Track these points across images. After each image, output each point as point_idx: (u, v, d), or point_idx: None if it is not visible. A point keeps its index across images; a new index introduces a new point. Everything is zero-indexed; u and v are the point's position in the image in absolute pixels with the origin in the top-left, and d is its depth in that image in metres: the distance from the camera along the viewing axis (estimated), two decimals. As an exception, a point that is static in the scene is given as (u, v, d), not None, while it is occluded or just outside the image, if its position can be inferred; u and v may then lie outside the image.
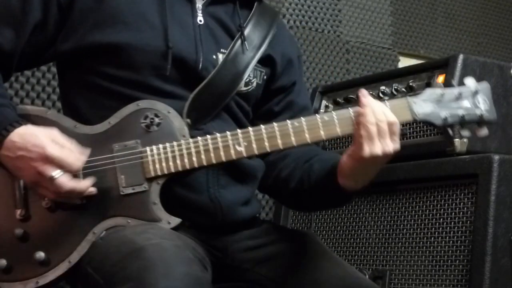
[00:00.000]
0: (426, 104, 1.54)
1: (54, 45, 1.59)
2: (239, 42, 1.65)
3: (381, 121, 1.46)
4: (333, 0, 3.21)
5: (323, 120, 1.52)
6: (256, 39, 1.68)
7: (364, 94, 1.50)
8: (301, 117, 1.52)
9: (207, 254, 1.57)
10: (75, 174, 1.45)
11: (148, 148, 1.50)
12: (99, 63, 1.57)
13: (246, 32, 1.67)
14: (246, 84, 1.66)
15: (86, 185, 1.45)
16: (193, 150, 1.49)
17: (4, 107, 1.48)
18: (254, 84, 1.68)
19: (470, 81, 1.58)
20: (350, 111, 1.51)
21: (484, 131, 1.57)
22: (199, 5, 1.64)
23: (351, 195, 1.60)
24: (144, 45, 1.55)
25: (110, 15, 1.56)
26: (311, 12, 3.13)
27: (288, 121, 1.51)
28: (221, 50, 1.64)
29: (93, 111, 1.57)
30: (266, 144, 1.50)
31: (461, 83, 1.59)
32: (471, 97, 1.56)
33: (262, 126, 1.51)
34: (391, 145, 1.47)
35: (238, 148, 1.50)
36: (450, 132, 1.65)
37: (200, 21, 1.63)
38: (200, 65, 1.59)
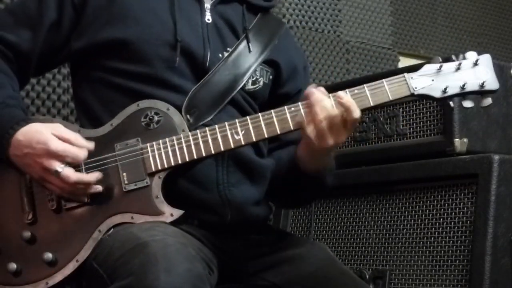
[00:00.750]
0: (423, 78, 1.52)
1: (69, 45, 1.63)
2: (243, 43, 1.67)
3: (332, 116, 1.47)
4: (333, 0, 3.21)
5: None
6: (260, 43, 1.70)
7: (311, 93, 1.50)
8: (299, 102, 1.54)
9: (214, 256, 1.58)
10: (78, 170, 1.48)
11: (148, 145, 1.52)
12: (110, 59, 1.60)
13: (250, 35, 1.69)
14: (253, 83, 1.68)
15: (92, 176, 1.48)
16: (192, 142, 1.52)
17: (12, 107, 1.52)
18: (261, 83, 1.70)
19: (469, 54, 1.55)
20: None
21: (487, 101, 1.54)
22: (207, 5, 1.68)
23: (322, 179, 1.64)
24: (154, 38, 1.59)
25: (121, 12, 1.60)
26: (311, 12, 3.13)
27: (286, 107, 1.53)
28: (227, 49, 1.66)
29: (104, 108, 1.60)
30: (264, 130, 1.52)
31: (460, 58, 1.57)
32: (471, 68, 1.53)
33: (260, 114, 1.53)
34: (344, 136, 1.50)
35: (236, 137, 1.52)
36: (451, 104, 1.63)
37: (208, 19, 1.66)
38: (208, 62, 1.61)
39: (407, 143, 2.21)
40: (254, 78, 1.68)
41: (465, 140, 2.04)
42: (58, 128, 1.48)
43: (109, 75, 1.60)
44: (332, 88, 2.52)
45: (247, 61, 1.66)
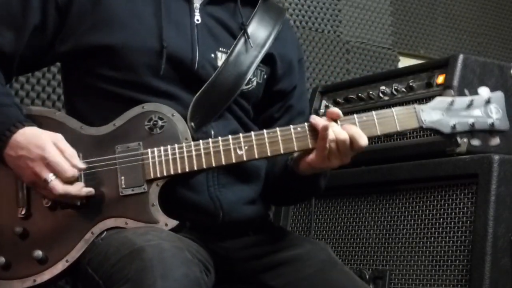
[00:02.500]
0: (434, 112, 1.52)
1: (54, 48, 1.60)
2: (242, 41, 1.65)
3: (342, 140, 1.48)
4: (333, 0, 3.21)
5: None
6: (261, 37, 1.68)
7: (319, 119, 1.50)
8: (305, 123, 1.52)
9: (210, 257, 1.57)
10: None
11: (149, 150, 1.50)
12: (96, 65, 1.58)
13: (249, 30, 1.66)
14: (247, 83, 1.65)
15: (79, 190, 1.46)
16: (194, 153, 1.50)
17: (8, 107, 1.50)
18: (254, 83, 1.68)
19: (483, 90, 1.55)
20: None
21: (495, 141, 1.55)
22: (196, 4, 1.65)
23: (317, 182, 1.64)
24: (139, 45, 1.56)
25: (106, 17, 1.57)
26: (311, 12, 3.13)
27: (291, 126, 1.52)
28: (221, 48, 1.64)
29: (93, 112, 1.58)
30: (267, 148, 1.50)
31: (473, 92, 1.56)
32: (483, 106, 1.53)
33: (265, 131, 1.52)
34: (349, 157, 1.51)
35: (239, 152, 1.50)
36: (459, 140, 1.63)
37: (197, 20, 1.63)
38: (196, 64, 1.59)
39: (407, 143, 2.21)
40: (248, 78, 1.66)
41: (465, 140, 2.04)
42: (58, 137, 1.47)
43: (99, 81, 1.58)
44: (332, 88, 2.54)
45: (248, 57, 1.64)
